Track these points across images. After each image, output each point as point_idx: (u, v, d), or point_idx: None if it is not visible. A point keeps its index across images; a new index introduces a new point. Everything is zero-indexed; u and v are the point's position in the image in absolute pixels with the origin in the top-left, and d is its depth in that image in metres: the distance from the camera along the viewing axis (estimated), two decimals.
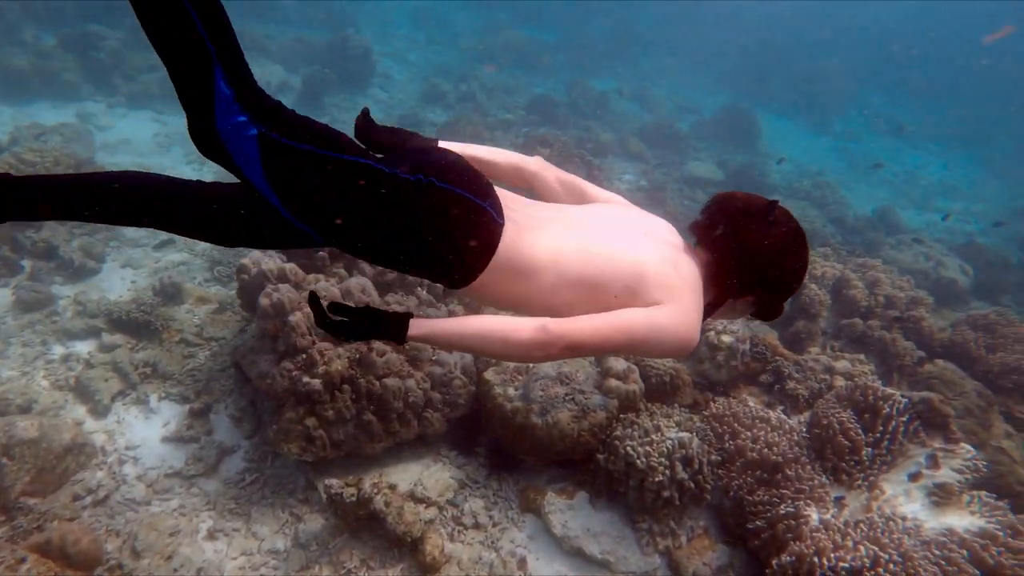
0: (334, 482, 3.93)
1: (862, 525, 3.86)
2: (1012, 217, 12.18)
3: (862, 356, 5.33)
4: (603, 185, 2.40)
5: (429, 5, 20.90)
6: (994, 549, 3.74)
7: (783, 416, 4.70)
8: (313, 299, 1.77)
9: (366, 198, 1.73)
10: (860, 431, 4.26)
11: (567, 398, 4.53)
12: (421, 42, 18.71)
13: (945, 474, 4.15)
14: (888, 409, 4.26)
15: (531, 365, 4.74)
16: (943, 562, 3.63)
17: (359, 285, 4.67)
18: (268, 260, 4.62)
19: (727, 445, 4.53)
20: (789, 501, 4.08)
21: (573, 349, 1.79)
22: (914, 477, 4.17)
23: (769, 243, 1.93)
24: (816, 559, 3.59)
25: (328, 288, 4.52)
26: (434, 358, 4.75)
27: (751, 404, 4.90)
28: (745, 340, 5.23)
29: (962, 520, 4.07)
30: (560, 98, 14.69)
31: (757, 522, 4.11)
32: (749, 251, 1.94)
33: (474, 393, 4.81)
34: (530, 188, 2.25)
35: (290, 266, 4.62)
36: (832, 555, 3.59)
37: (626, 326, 1.81)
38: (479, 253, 1.80)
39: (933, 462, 4.17)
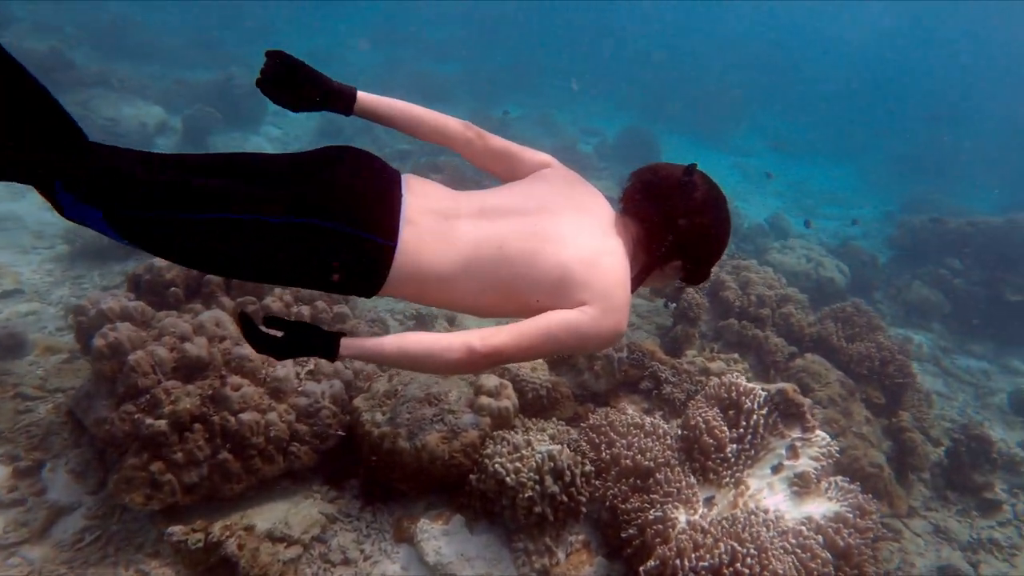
0: (177, 529, 3.66)
1: (724, 522, 3.85)
2: (883, 220, 12.80)
3: (736, 355, 5.38)
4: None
5: (328, 44, 20.80)
6: (845, 532, 3.81)
7: (657, 421, 4.68)
8: (244, 316, 1.75)
9: (230, 250, 1.72)
10: (724, 428, 4.26)
11: (435, 419, 4.39)
12: None
13: (803, 463, 4.19)
14: (749, 404, 4.28)
15: (400, 388, 4.60)
16: (799, 550, 3.65)
17: (213, 319, 4.44)
18: (110, 299, 4.34)
19: (604, 455, 4.46)
20: (658, 506, 4.02)
21: (502, 361, 1.84)
22: (776, 469, 4.19)
23: (690, 207, 1.98)
24: (677, 561, 3.54)
25: (177, 324, 4.28)
26: (300, 389, 4.54)
27: (630, 412, 4.87)
28: (622, 348, 5.21)
29: (820, 507, 4.12)
30: None
31: (630, 530, 4.03)
32: (672, 217, 1.98)
33: (346, 422, 4.61)
34: (459, 153, 2.23)
35: (136, 304, 4.36)
36: (692, 555, 3.55)
37: (551, 333, 1.82)
38: (369, 276, 1.82)
39: (792, 452, 4.20)
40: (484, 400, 4.55)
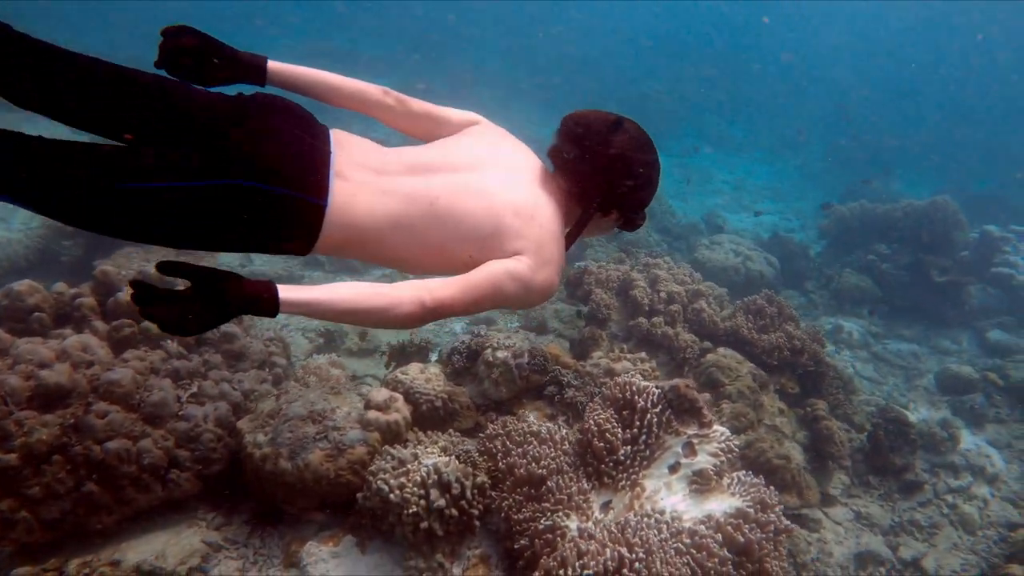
0: (23, 571, 3.39)
1: (615, 527, 3.67)
2: (821, 213, 12.79)
3: (643, 354, 5.23)
4: None
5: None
6: (745, 527, 3.65)
7: (554, 427, 4.47)
8: (137, 282, 1.52)
9: (154, 217, 1.62)
10: (617, 430, 4.09)
11: (319, 437, 4.16)
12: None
13: (702, 460, 4.03)
14: (643, 403, 4.11)
15: (284, 407, 4.37)
16: (694, 550, 3.49)
17: (79, 343, 4.17)
18: None
19: (500, 465, 4.27)
20: (548, 514, 3.83)
21: (449, 313, 1.79)
22: (673, 468, 4.03)
23: (617, 153, 1.96)
24: (561, 572, 3.35)
25: (35, 350, 4.00)
26: (180, 413, 4.29)
27: (530, 419, 4.68)
28: (522, 353, 5.03)
29: (722, 504, 3.96)
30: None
31: (522, 541, 3.84)
32: (601, 168, 1.97)
33: (232, 446, 4.37)
34: (379, 120, 2.17)
35: None
36: (576, 564, 3.36)
37: (496, 282, 1.79)
38: (302, 236, 1.76)
39: (689, 450, 4.04)
40: (372, 415, 4.34)
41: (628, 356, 5.21)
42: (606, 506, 4.00)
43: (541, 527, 3.77)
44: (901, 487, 5.77)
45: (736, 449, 4.12)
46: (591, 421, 4.16)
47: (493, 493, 4.15)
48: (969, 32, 35.55)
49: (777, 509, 3.94)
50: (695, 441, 4.06)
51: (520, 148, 2.14)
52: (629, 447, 4.05)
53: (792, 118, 23.53)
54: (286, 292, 1.62)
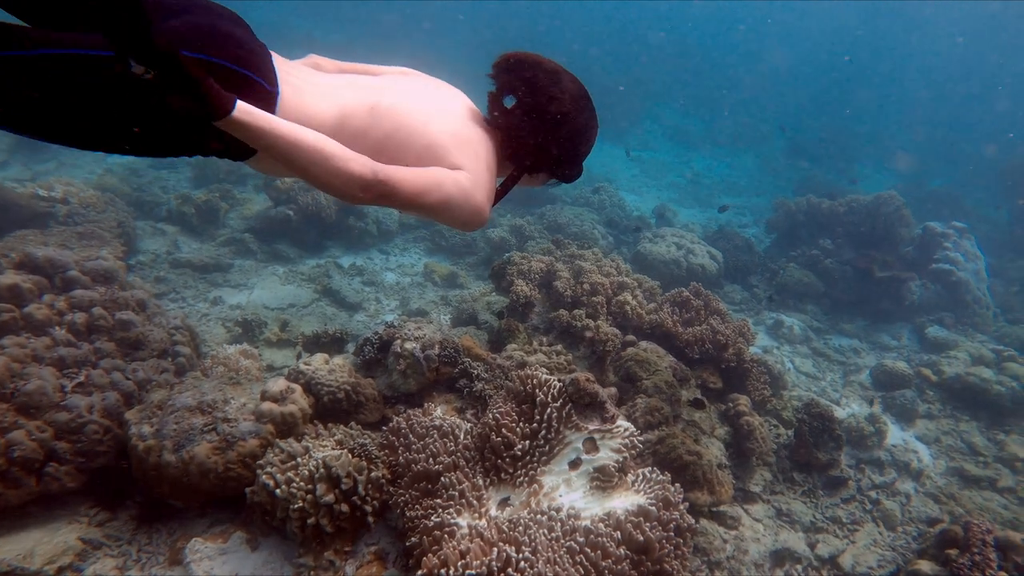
0: None
1: (505, 525, 3.55)
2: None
3: (559, 347, 5.11)
4: None
5: None
6: (646, 525, 3.56)
7: (457, 422, 4.35)
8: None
9: (84, 93, 1.50)
10: (515, 425, 3.97)
11: (207, 428, 3.98)
12: None
13: (603, 456, 3.92)
14: (543, 396, 3.99)
15: (173, 397, 4.17)
16: (588, 549, 3.39)
17: None
18: None
19: (401, 459, 4.12)
20: (440, 511, 3.70)
21: (390, 195, 1.73)
22: (573, 465, 3.92)
23: (556, 115, 1.97)
24: (443, 571, 3.22)
25: None
26: (62, 403, 4.08)
27: (436, 413, 4.53)
28: (433, 345, 4.88)
29: (625, 501, 3.87)
30: None
31: (413, 538, 3.70)
32: (541, 130, 1.99)
33: (122, 437, 4.17)
34: None
35: None
36: (458, 564, 3.24)
37: (440, 179, 1.79)
38: None
39: (590, 446, 3.93)
40: (267, 406, 4.18)
41: (544, 349, 5.08)
42: (504, 503, 3.88)
43: (430, 524, 3.63)
44: (825, 483, 5.73)
45: (640, 445, 4.02)
46: (490, 415, 4.04)
47: (392, 489, 4.01)
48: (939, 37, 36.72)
49: (681, 507, 3.86)
50: (597, 436, 3.95)
51: (456, 93, 2.13)
52: (528, 442, 3.93)
53: (758, 115, 23.71)
54: (249, 106, 1.54)
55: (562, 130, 2.01)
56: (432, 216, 1.86)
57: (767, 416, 6.16)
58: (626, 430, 4.00)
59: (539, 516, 3.64)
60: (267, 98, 1.70)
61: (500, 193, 2.05)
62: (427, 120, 1.88)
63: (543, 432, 3.91)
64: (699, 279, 8.84)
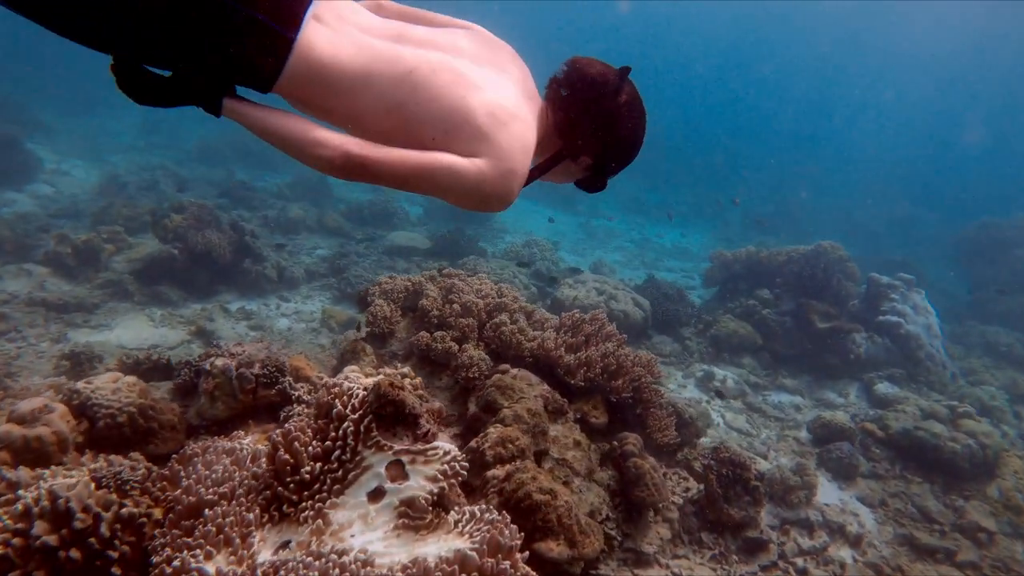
0: None
1: (261, 572, 2.67)
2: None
3: (406, 369, 4.31)
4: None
5: (162, 116, 19.91)
6: None
7: (260, 448, 3.51)
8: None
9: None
10: (307, 440, 3.13)
11: None
12: (140, 146, 17.33)
13: (413, 485, 3.07)
14: (340, 407, 3.17)
15: None
16: None
17: None
18: None
19: (179, 492, 3.25)
20: (186, 553, 2.81)
21: (369, 175, 1.76)
22: (373, 495, 3.06)
23: (615, 107, 1.99)
24: None
25: None
26: None
27: (245, 441, 3.68)
28: (252, 363, 4.07)
29: (443, 545, 2.99)
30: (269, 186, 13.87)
31: None
32: (595, 113, 1.99)
33: None
34: None
35: None
36: None
37: (432, 171, 1.77)
38: (263, 68, 1.71)
39: (397, 471, 3.09)
40: (5, 428, 3.32)
41: (387, 371, 4.27)
42: (284, 546, 2.99)
43: (169, 570, 2.74)
44: (741, 547, 4.85)
45: (463, 472, 3.18)
46: (276, 432, 3.20)
47: (158, 531, 3.12)
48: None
49: (517, 555, 2.99)
50: (405, 459, 3.10)
51: (518, 62, 2.10)
52: (319, 464, 3.08)
53: (712, 185, 23.80)
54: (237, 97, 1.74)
55: (613, 129, 2.02)
56: (434, 196, 1.86)
57: (677, 467, 5.32)
58: (446, 453, 3.17)
59: (314, 563, 2.75)
60: (277, 42, 1.69)
61: (534, 173, 2.02)
62: (464, 94, 1.80)
63: (336, 452, 3.07)
64: (621, 328, 8.13)
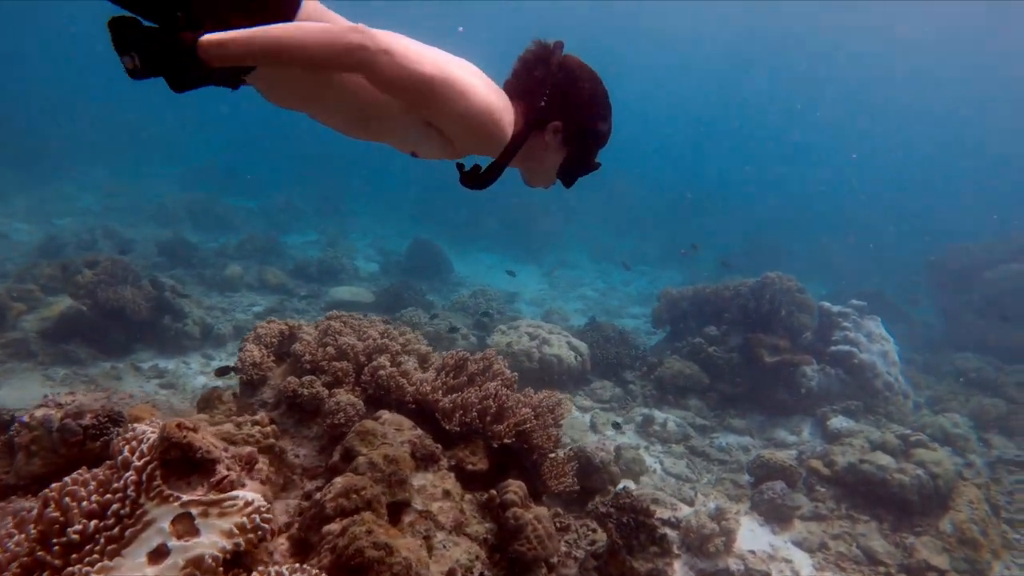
0: None
1: None
2: None
3: (260, 416, 3.97)
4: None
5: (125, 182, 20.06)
6: None
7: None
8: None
9: None
10: (84, 498, 2.77)
11: None
12: (97, 211, 17.24)
13: (203, 543, 2.70)
14: (127, 454, 2.84)
15: None
16: None
17: None
18: None
19: None
20: None
21: (389, 53, 1.78)
22: (155, 556, 2.68)
23: (559, 61, 2.13)
24: None
25: None
26: None
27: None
28: (83, 413, 3.72)
29: None
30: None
31: None
32: (542, 70, 2.12)
33: None
34: None
35: None
36: None
37: (452, 78, 1.87)
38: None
39: (185, 525, 2.73)
40: None
41: (236, 419, 3.93)
42: None
43: None
44: None
45: (264, 525, 2.82)
46: (53, 486, 2.84)
47: None
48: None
49: None
50: (196, 511, 2.74)
51: None
52: (94, 521, 2.71)
53: (682, 232, 23.77)
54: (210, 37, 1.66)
55: (569, 85, 2.13)
56: (429, 102, 1.88)
57: (587, 518, 4.92)
58: (248, 504, 2.82)
59: None
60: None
61: (515, 142, 2.08)
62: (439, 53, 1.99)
63: (115, 505, 2.71)
64: (555, 373, 7.83)
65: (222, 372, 5.91)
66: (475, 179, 2.17)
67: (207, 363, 8.30)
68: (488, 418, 4.41)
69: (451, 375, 4.72)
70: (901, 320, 15.32)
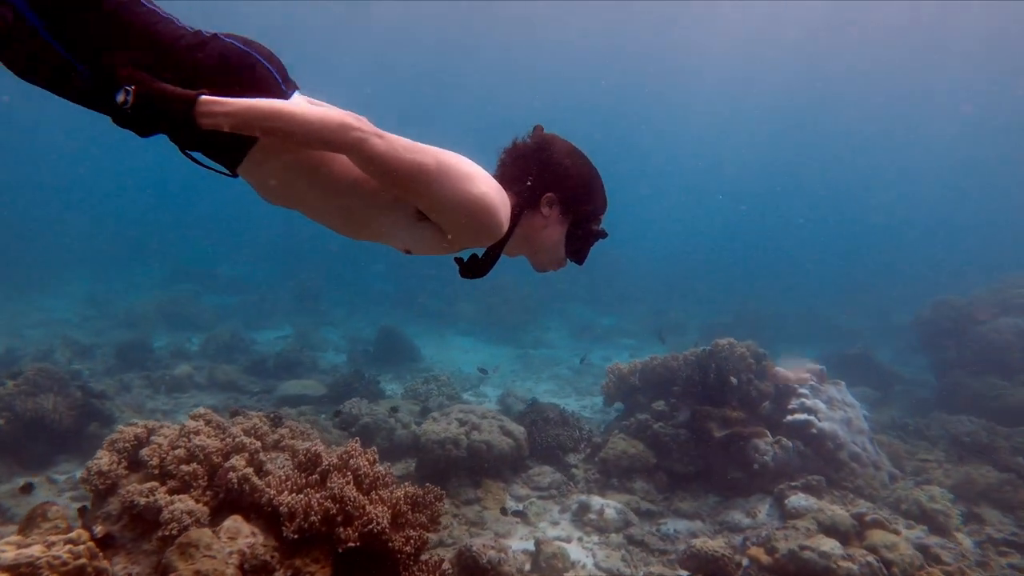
0: None
1: None
2: None
3: (79, 534, 3.71)
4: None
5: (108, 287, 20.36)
6: None
7: None
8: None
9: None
10: None
11: None
12: (75, 321, 17.34)
13: None
14: None
15: None
16: None
17: None
18: None
19: None
20: None
21: (383, 137, 1.81)
22: None
23: (541, 142, 2.21)
24: None
25: None
26: None
27: None
28: None
29: None
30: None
31: None
32: (529, 153, 2.20)
33: None
34: None
35: None
36: None
37: (453, 165, 1.91)
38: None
39: None
40: None
41: (51, 538, 3.68)
42: None
43: None
44: None
45: None
46: None
47: None
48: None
49: None
50: None
51: None
52: None
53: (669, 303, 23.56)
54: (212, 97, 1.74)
55: (553, 147, 2.19)
56: (424, 188, 1.86)
57: None
58: None
59: None
60: (278, 92, 1.97)
61: (511, 224, 2.11)
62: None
63: None
64: (486, 459, 7.48)
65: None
66: (474, 268, 2.18)
67: None
68: (338, 520, 4.12)
69: (305, 472, 4.47)
70: (896, 382, 14.84)
